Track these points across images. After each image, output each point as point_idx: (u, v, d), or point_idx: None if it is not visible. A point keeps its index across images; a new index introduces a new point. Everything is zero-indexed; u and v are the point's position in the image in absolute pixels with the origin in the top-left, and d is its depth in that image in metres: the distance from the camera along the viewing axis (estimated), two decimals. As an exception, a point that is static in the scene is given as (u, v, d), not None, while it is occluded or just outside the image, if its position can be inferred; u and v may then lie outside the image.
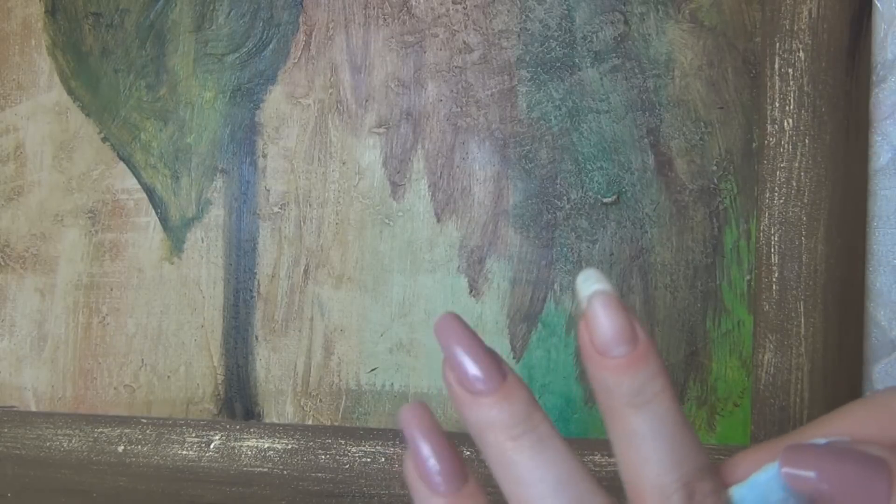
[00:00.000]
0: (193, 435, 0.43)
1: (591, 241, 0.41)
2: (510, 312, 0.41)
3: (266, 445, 0.42)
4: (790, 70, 0.38)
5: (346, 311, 0.43)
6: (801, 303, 0.38)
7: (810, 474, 0.17)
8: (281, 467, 0.42)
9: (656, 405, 0.18)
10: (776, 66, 0.39)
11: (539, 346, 0.41)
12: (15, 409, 0.46)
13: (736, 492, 0.18)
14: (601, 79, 0.41)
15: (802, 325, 0.38)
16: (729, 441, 0.39)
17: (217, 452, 0.43)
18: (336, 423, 0.43)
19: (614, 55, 0.41)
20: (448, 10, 0.42)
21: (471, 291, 0.42)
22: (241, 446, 0.43)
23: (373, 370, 0.42)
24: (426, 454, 0.19)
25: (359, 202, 0.43)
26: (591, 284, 0.19)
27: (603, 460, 0.39)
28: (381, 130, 0.43)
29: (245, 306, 0.44)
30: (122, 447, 0.44)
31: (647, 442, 0.18)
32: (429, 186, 0.42)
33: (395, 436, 0.42)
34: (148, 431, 0.44)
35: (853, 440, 0.18)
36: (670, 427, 0.18)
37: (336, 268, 0.43)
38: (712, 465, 0.18)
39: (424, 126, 0.42)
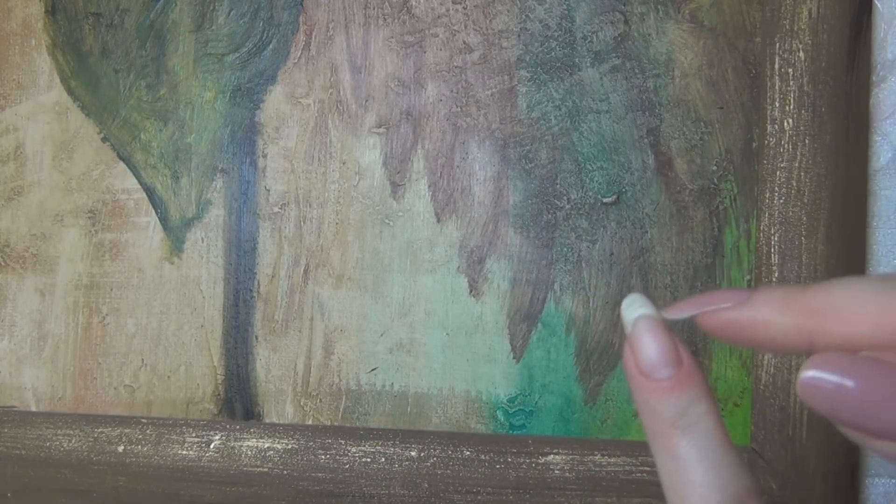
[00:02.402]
0: (193, 435, 0.43)
1: (591, 241, 0.41)
2: (510, 312, 0.41)
3: (266, 445, 0.42)
4: (790, 70, 0.38)
5: (346, 311, 0.43)
6: (801, 303, 0.38)
7: (847, 381, 0.16)
8: (281, 467, 0.42)
9: (701, 427, 0.18)
10: (776, 66, 0.39)
11: (539, 346, 0.41)
12: (15, 409, 0.46)
13: None
14: (601, 79, 0.41)
15: (802, 325, 0.37)
16: (729, 441, 0.39)
17: (217, 452, 0.43)
18: (336, 423, 0.43)
19: (614, 55, 0.41)
20: (448, 10, 0.42)
21: (471, 291, 0.42)
22: (241, 446, 0.43)
23: (373, 370, 0.42)
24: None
25: (359, 202, 0.43)
26: (635, 309, 0.19)
27: (603, 460, 0.39)
28: (381, 130, 0.43)
29: (245, 306, 0.44)
30: (122, 447, 0.44)
31: (692, 464, 0.18)
32: (429, 186, 0.42)
33: (394, 436, 0.42)
34: (148, 431, 0.44)
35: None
36: (715, 449, 0.18)
37: (336, 268, 0.43)
38: (758, 487, 0.19)
39: (424, 126, 0.42)
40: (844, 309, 0.17)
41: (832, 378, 0.17)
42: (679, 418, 0.18)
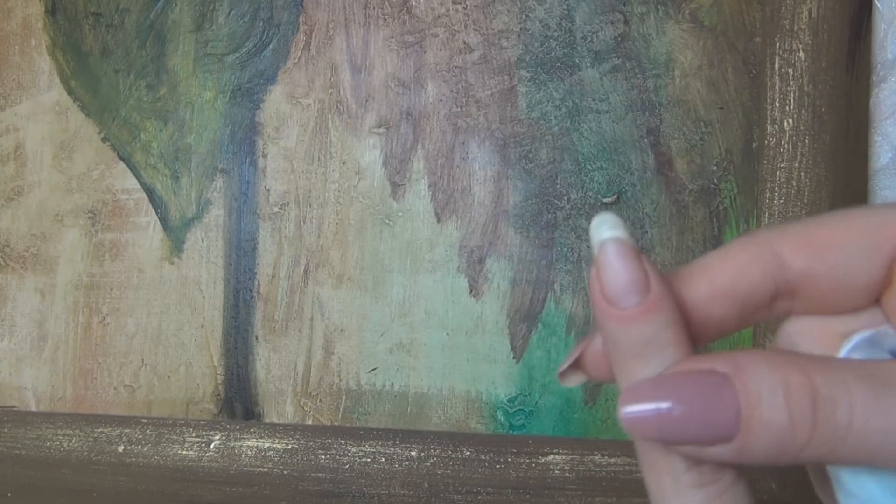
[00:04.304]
0: (193, 435, 0.43)
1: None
2: (510, 312, 0.41)
3: (266, 445, 0.42)
4: (790, 70, 0.38)
5: (346, 311, 0.43)
6: (801, 303, 0.38)
7: (663, 404, 0.16)
8: (281, 467, 0.42)
9: (665, 357, 0.17)
10: (776, 66, 0.39)
11: (539, 346, 0.41)
12: (15, 409, 0.46)
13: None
14: (601, 79, 0.41)
15: (802, 325, 0.37)
16: (729, 441, 0.39)
17: (217, 452, 0.43)
18: (336, 423, 0.43)
19: (614, 55, 0.41)
20: (448, 10, 0.42)
21: (471, 291, 0.42)
22: (241, 446, 0.43)
23: (373, 370, 0.42)
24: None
25: (359, 202, 0.43)
26: (605, 230, 0.18)
27: (603, 460, 0.39)
28: (381, 130, 0.43)
29: (245, 306, 0.44)
30: (122, 447, 0.44)
31: None
32: (429, 186, 0.42)
33: (394, 436, 0.42)
34: (148, 431, 0.44)
35: (693, 357, 0.17)
36: None
37: (336, 268, 0.43)
38: None
39: (424, 126, 0.42)
40: None
41: (649, 406, 0.17)
42: (643, 348, 0.17)
